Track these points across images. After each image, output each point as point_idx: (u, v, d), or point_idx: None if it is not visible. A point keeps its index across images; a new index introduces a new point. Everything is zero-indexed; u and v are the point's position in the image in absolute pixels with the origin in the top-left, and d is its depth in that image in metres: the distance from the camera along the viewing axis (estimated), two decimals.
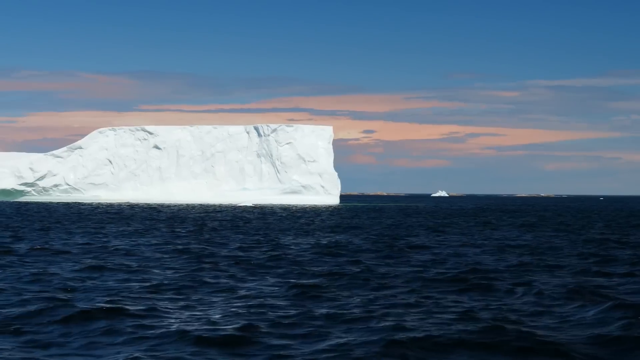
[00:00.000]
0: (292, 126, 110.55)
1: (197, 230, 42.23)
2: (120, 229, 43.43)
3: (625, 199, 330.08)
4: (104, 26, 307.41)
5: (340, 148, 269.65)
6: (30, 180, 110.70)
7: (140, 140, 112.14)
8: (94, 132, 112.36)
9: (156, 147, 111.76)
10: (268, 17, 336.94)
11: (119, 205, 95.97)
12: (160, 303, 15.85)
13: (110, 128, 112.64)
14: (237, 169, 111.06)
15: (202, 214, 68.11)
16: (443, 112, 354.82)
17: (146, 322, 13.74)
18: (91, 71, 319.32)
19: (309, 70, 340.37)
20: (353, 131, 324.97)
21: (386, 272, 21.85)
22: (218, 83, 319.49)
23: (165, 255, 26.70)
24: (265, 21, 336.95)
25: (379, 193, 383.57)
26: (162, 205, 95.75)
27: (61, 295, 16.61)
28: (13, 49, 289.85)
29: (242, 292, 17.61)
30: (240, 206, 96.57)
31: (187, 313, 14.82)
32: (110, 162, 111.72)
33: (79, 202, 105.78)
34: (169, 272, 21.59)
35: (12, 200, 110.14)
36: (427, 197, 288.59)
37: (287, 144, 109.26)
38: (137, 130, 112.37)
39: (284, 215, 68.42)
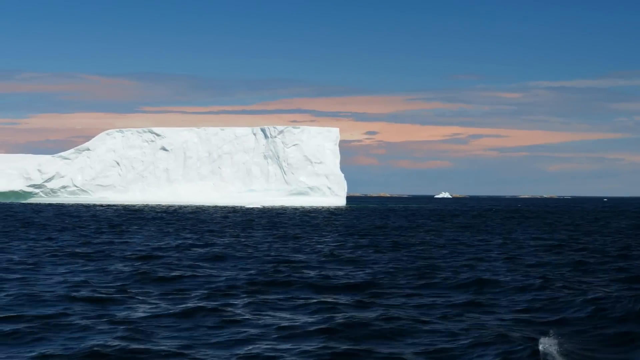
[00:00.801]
0: (298, 128, 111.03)
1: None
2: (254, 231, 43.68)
3: (629, 200, 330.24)
4: (106, 28, 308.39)
5: (343, 149, 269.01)
6: (39, 182, 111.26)
7: (147, 142, 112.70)
8: (102, 134, 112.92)
9: (163, 148, 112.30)
10: (270, 19, 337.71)
11: (132, 205, 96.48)
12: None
13: (118, 130, 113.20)
14: (244, 171, 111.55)
15: (251, 217, 68.48)
16: (445, 114, 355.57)
17: None
18: (93, 73, 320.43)
19: (312, 71, 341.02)
20: (355, 132, 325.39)
21: None
22: (220, 85, 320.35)
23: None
24: (268, 23, 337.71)
25: (381, 194, 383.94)
26: (172, 206, 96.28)
27: None
28: (15, 51, 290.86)
29: None
30: (251, 207, 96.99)
31: None
32: (117, 163, 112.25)
33: (89, 204, 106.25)
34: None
35: (22, 202, 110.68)
36: (431, 199, 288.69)
37: (294, 145, 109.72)
38: (145, 132, 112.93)
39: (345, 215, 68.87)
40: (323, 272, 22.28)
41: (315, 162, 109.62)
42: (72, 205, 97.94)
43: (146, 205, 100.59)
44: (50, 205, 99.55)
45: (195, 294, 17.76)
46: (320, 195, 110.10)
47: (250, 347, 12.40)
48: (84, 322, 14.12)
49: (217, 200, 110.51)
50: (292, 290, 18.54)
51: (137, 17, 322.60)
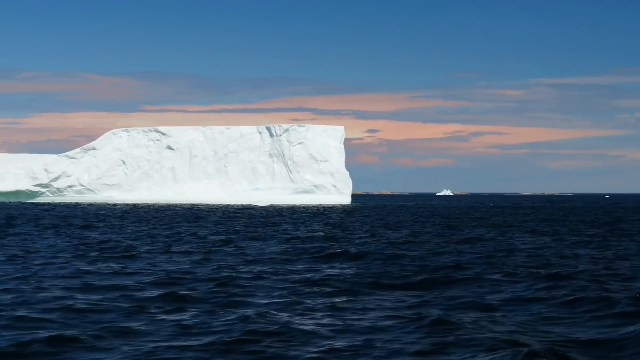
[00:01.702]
0: (304, 126, 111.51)
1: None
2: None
3: (630, 196, 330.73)
4: (107, 27, 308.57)
5: (344, 147, 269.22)
6: (45, 182, 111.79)
7: (153, 141, 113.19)
8: (108, 133, 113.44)
9: (169, 147, 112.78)
10: (272, 17, 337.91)
11: (138, 204, 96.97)
12: None
13: (124, 129, 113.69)
14: (250, 169, 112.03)
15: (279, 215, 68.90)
16: (447, 111, 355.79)
17: None
18: (95, 72, 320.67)
19: (313, 70, 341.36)
20: (357, 130, 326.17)
21: None
22: (222, 83, 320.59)
23: None
24: (269, 21, 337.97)
25: (383, 192, 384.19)
26: (177, 205, 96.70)
27: None
28: (16, 51, 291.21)
29: None
30: (257, 205, 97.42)
31: None
32: (123, 162, 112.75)
33: (96, 203, 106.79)
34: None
35: (28, 201, 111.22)
36: (432, 197, 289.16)
37: (299, 143, 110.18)
38: (150, 131, 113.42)
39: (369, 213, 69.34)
40: None
41: (320, 161, 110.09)
42: (86, 205, 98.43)
43: (175, 204, 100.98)
44: (60, 204, 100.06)
45: None
46: (325, 193, 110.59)
47: None
48: None
49: (222, 198, 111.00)
50: None
51: (139, 16, 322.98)
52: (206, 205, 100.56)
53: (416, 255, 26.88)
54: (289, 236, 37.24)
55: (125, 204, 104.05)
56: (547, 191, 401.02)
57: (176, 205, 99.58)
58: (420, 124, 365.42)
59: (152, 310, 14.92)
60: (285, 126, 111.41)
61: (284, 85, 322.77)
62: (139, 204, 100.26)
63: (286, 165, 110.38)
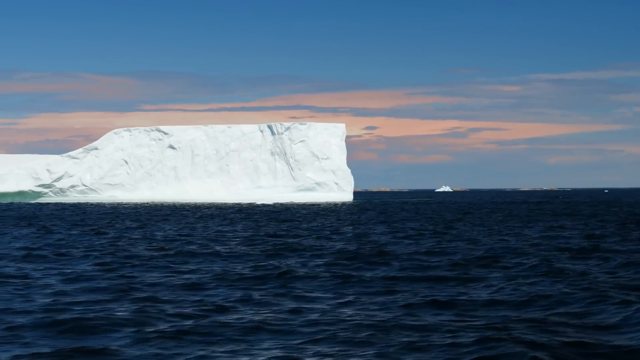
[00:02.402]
0: (305, 124, 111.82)
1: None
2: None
3: (629, 191, 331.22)
4: (105, 27, 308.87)
5: None
6: (48, 182, 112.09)
7: (155, 140, 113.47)
8: (110, 133, 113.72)
9: (171, 147, 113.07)
10: (269, 16, 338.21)
11: (141, 204, 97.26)
12: None
13: (126, 129, 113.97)
14: (252, 168, 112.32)
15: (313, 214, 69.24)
16: (445, 108, 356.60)
17: None
18: (92, 72, 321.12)
19: (311, 67, 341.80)
20: (355, 128, 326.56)
21: None
22: (220, 82, 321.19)
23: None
24: (267, 19, 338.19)
25: (382, 189, 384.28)
26: (181, 204, 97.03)
27: None
28: (14, 51, 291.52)
29: None
30: (261, 204, 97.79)
31: None
32: (126, 162, 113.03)
33: (99, 203, 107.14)
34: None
35: (32, 202, 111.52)
36: (431, 193, 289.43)
37: (301, 141, 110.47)
38: (152, 130, 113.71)
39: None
40: None
41: (322, 158, 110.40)
42: (93, 205, 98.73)
43: (171, 204, 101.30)
44: (66, 204, 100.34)
45: None
46: (327, 190, 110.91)
47: None
48: None
49: (225, 197, 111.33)
50: None
51: (136, 16, 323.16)
52: (210, 203, 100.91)
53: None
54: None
55: (134, 203, 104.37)
56: (546, 186, 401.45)
57: (181, 203, 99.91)
58: (419, 121, 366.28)
59: None
60: (286, 124, 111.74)
61: (283, 84, 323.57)
62: (153, 203, 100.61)
63: (288, 163, 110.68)
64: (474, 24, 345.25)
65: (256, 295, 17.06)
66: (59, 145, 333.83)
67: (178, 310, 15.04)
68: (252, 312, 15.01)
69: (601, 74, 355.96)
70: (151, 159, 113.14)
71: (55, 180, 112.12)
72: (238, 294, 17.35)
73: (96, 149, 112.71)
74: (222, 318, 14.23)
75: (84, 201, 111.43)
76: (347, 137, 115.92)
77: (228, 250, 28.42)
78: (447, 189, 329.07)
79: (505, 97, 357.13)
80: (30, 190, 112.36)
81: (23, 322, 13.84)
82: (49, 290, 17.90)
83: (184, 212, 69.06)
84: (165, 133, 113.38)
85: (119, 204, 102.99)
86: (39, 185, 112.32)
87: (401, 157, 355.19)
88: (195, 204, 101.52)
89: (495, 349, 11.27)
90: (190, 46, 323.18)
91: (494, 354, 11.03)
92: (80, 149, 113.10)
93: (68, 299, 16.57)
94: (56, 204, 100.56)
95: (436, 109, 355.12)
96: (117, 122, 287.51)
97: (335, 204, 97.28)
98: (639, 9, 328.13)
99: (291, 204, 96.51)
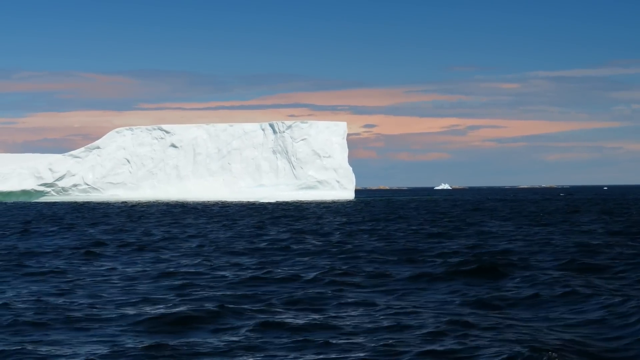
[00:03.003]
0: (306, 122, 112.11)
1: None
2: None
3: (628, 188, 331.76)
4: (103, 25, 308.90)
5: None
6: (50, 181, 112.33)
7: (157, 139, 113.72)
8: (112, 132, 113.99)
9: (173, 145, 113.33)
10: (267, 14, 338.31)
11: (143, 203, 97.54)
12: None
13: (127, 128, 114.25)
14: (253, 166, 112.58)
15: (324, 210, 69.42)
16: (443, 105, 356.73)
17: None
18: (90, 71, 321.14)
19: (309, 65, 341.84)
20: (353, 126, 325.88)
21: None
22: (218, 80, 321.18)
23: None
24: (264, 18, 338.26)
25: (380, 187, 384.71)
26: (184, 202, 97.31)
27: None
28: (12, 50, 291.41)
29: None
30: (264, 202, 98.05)
31: None
32: (128, 161, 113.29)
33: (101, 202, 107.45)
34: None
35: (34, 201, 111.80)
36: (431, 191, 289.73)
37: (302, 140, 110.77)
38: (154, 129, 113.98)
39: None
40: None
41: (323, 156, 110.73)
42: (96, 203, 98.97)
43: (171, 203, 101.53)
44: (56, 203, 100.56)
45: None
46: (329, 189, 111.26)
47: None
48: None
49: (227, 195, 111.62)
50: None
51: (134, 15, 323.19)
52: (214, 202, 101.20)
53: None
54: None
55: (139, 202, 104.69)
56: (545, 184, 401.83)
57: (185, 202, 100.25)
58: (417, 119, 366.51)
59: None
60: (288, 123, 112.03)
61: (281, 82, 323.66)
62: (158, 202, 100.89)
63: (290, 161, 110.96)
64: (472, 21, 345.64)
65: None
66: (58, 144, 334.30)
67: None
68: None
69: (600, 71, 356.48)
70: (153, 158, 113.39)
71: (57, 179, 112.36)
72: None
73: (98, 147, 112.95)
74: None
75: (86, 200, 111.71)
76: (347, 135, 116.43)
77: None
78: (446, 186, 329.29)
79: (504, 95, 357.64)
80: (32, 189, 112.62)
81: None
82: None
83: (256, 210, 69.04)
84: (167, 132, 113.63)
85: (123, 202, 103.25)
86: (41, 185, 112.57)
87: (400, 155, 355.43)
88: (197, 202, 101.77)
89: None
90: (188, 45, 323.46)
91: None
92: (82, 148, 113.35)
93: None
94: (73, 203, 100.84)
95: (435, 107, 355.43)
96: (116, 121, 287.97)
97: (339, 202, 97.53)
98: (638, 6, 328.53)
99: (296, 202, 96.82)
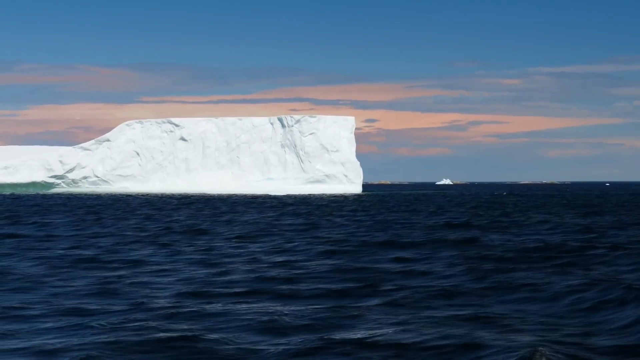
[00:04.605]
0: (315, 117, 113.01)
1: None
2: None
3: (630, 184, 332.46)
4: (105, 18, 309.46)
5: None
6: (60, 173, 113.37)
7: (166, 132, 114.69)
8: (122, 125, 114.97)
9: (182, 139, 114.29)
10: (269, 8, 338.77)
11: (148, 195, 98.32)
12: None
13: (137, 121, 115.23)
14: (262, 160, 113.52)
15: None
16: (445, 101, 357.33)
17: None
18: (92, 64, 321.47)
19: (311, 60, 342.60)
20: (355, 120, 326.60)
21: None
22: (219, 74, 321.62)
23: None
24: (266, 12, 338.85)
25: (382, 182, 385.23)
26: (192, 195, 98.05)
27: None
28: (14, 43, 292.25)
29: None
30: (273, 195, 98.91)
31: None
32: (137, 154, 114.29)
33: (111, 194, 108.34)
34: None
35: (45, 192, 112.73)
36: (432, 186, 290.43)
37: (311, 134, 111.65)
38: (164, 122, 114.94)
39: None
40: None
41: (331, 151, 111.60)
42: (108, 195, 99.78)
43: (185, 196, 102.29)
44: (74, 195, 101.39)
45: None
46: (337, 182, 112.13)
47: None
48: None
49: (235, 189, 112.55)
50: None
51: (136, 8, 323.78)
52: (222, 195, 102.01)
53: None
54: None
55: (157, 194, 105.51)
56: (546, 180, 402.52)
57: (192, 194, 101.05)
58: (419, 114, 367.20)
59: None
60: (296, 117, 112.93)
61: (283, 76, 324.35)
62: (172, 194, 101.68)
63: (298, 155, 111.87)
64: (475, 16, 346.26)
65: None
66: (59, 137, 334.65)
67: None
68: None
69: (602, 67, 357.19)
70: (162, 151, 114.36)
71: (67, 172, 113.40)
72: None
73: (108, 140, 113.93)
74: None
75: (96, 192, 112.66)
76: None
77: None
78: (447, 181, 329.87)
79: (505, 90, 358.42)
80: (42, 181, 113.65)
81: None
82: None
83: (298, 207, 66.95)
84: (176, 125, 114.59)
85: (131, 194, 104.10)
86: (52, 177, 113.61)
87: (401, 150, 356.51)
88: (209, 195, 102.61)
89: None
90: (189, 38, 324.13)
91: None
92: (93, 141, 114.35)
93: None
94: (88, 195, 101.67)
95: (436, 102, 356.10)
96: (117, 114, 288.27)
97: (348, 196, 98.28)
98: (639, 2, 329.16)
99: (305, 196, 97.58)
